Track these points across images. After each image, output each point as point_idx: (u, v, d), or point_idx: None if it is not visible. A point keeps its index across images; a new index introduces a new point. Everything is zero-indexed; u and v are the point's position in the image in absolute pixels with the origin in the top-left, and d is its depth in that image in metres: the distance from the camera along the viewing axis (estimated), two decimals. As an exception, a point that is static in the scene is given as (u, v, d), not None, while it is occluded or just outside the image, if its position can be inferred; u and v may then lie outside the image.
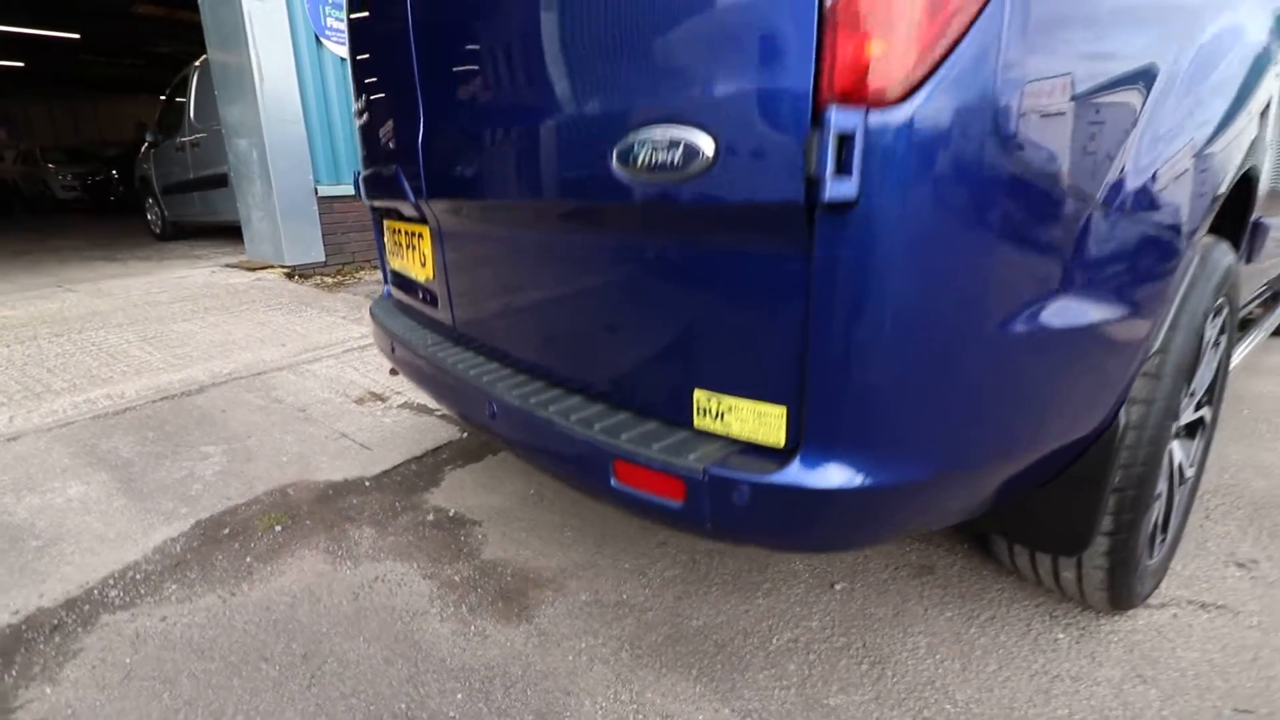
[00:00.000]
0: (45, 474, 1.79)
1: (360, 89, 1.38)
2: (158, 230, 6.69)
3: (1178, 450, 1.18)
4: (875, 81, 0.56)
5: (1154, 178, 0.78)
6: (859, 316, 0.64)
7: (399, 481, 1.76)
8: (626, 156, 0.72)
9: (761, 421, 0.74)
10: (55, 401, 2.22)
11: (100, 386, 2.35)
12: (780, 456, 0.73)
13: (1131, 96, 0.73)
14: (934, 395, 0.69)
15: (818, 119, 0.58)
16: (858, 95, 0.57)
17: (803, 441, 0.71)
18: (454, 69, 1.02)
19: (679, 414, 0.82)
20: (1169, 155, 0.80)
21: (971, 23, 0.55)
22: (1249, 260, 1.45)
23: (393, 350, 1.48)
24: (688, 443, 0.80)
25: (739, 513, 0.73)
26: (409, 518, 1.59)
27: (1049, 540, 0.99)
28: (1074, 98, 0.66)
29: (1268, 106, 1.06)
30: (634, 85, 0.71)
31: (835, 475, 0.70)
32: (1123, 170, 0.75)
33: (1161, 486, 1.09)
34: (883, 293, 0.62)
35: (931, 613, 1.20)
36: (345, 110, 4.44)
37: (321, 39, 4.27)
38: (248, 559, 1.44)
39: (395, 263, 1.60)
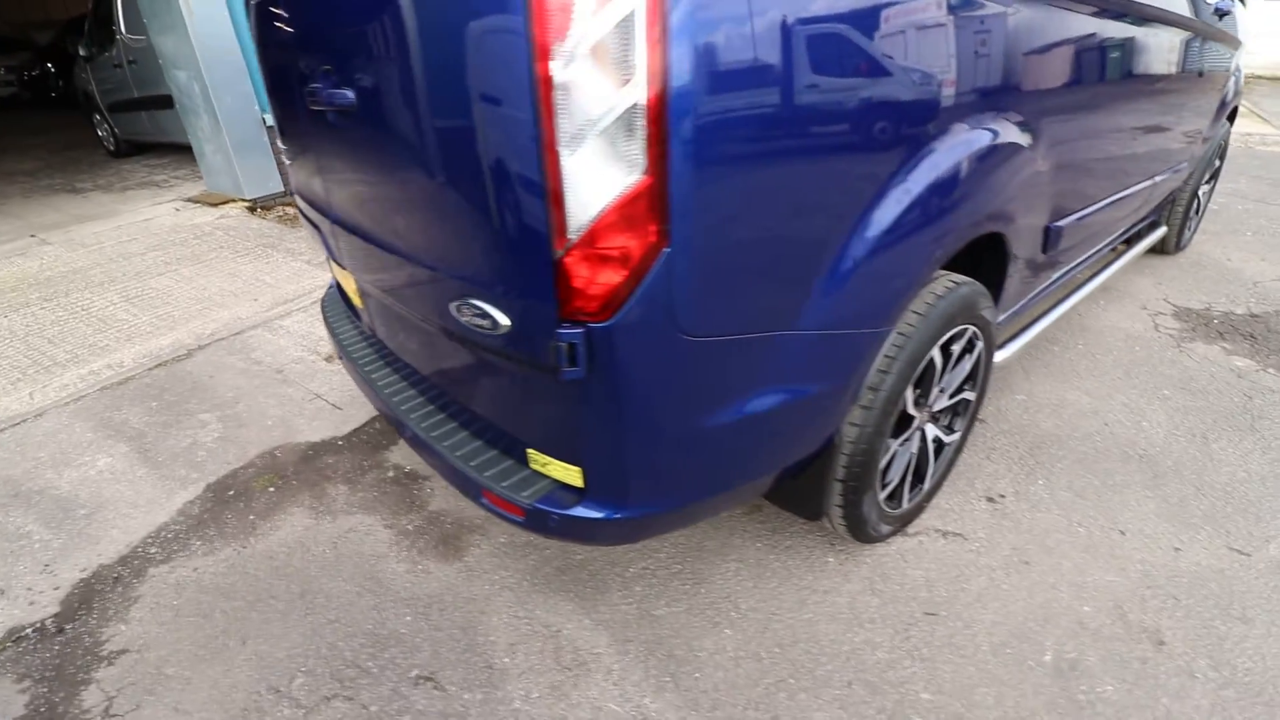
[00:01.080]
0: (76, 449, 2.19)
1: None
2: (111, 147, 6.59)
3: (931, 429, 1.58)
4: (589, 309, 0.88)
5: (838, 302, 1.10)
6: (605, 424, 1.00)
7: (365, 440, 2.17)
8: (460, 310, 1.04)
9: (568, 473, 1.13)
10: (64, 375, 2.58)
11: (100, 356, 2.70)
12: (582, 493, 1.12)
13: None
14: (670, 462, 1.07)
15: (560, 327, 0.91)
16: (581, 316, 0.89)
17: (588, 488, 1.10)
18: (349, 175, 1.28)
19: (524, 460, 1.20)
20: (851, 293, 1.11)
21: (646, 273, 0.86)
22: (1046, 251, 1.76)
23: (340, 355, 1.82)
24: (529, 479, 1.19)
25: (555, 527, 1.14)
26: (374, 475, 2.02)
27: (801, 510, 1.42)
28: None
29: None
30: (467, 272, 1.02)
31: (607, 510, 1.10)
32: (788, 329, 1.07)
33: (898, 468, 1.50)
34: (619, 410, 0.98)
35: (748, 544, 1.67)
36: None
37: (243, -50, 4.05)
38: (251, 517, 1.88)
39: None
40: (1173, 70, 2.18)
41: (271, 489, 1.98)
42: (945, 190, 1.18)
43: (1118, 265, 2.56)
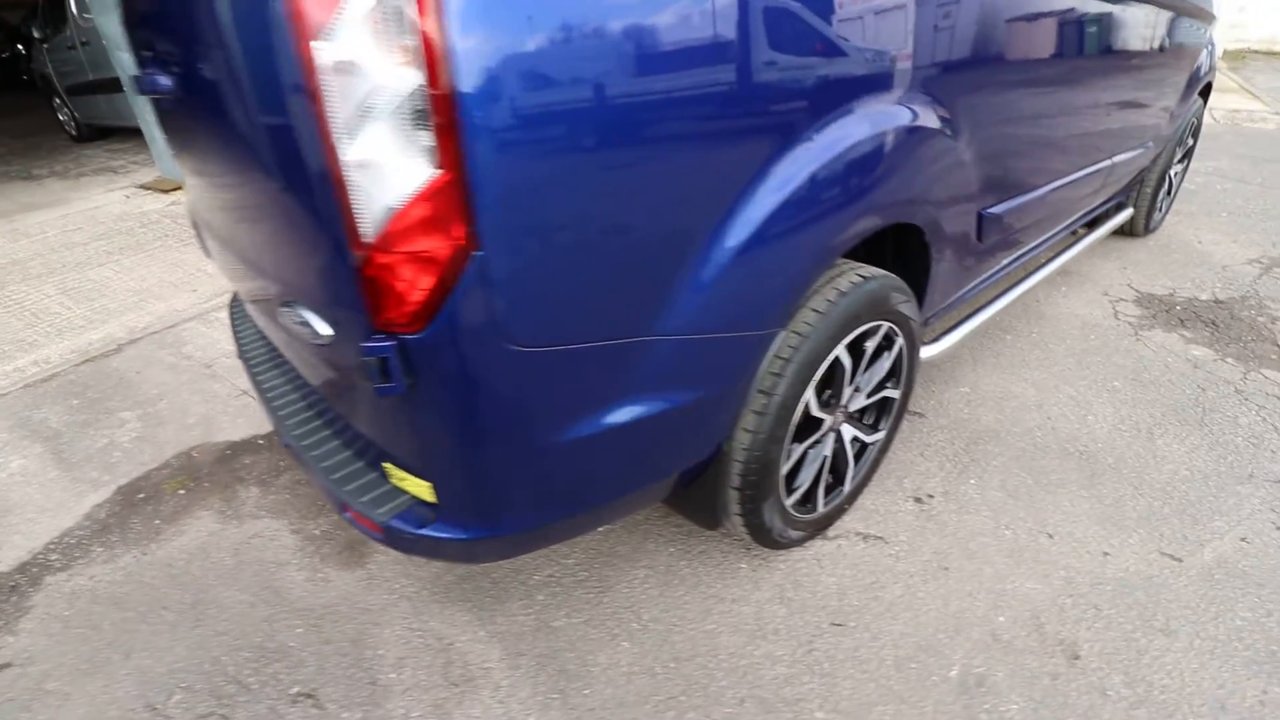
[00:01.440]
0: (-12, 449, 2.13)
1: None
2: (73, 131, 6.43)
3: (848, 430, 1.50)
4: (399, 320, 0.80)
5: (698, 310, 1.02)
6: (443, 440, 0.92)
7: (287, 439, 2.10)
8: (287, 316, 0.96)
9: (421, 488, 1.05)
10: (-12, 371, 2.50)
11: (27, 352, 2.62)
12: (437, 510, 1.05)
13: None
14: (523, 479, 0.99)
15: (371, 339, 0.82)
16: (394, 328, 0.81)
17: (440, 505, 1.02)
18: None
19: (384, 474, 1.13)
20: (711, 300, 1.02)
21: (456, 280, 0.78)
22: (982, 239, 1.67)
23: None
24: (390, 494, 1.11)
25: (414, 546, 1.07)
26: (288, 477, 1.95)
27: (697, 519, 1.35)
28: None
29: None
30: (286, 276, 0.93)
31: (461, 529, 1.02)
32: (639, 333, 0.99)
33: (808, 472, 1.42)
34: (453, 426, 0.90)
35: (661, 549, 1.60)
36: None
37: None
38: (156, 521, 1.82)
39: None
40: (1133, 45, 2.06)
41: (182, 491, 1.92)
42: (832, 181, 1.08)
43: (1076, 250, 2.47)
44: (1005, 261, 2.02)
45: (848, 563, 1.54)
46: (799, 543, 1.52)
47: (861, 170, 1.14)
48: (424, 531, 1.04)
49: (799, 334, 1.20)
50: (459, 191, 0.74)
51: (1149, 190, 2.82)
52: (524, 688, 1.32)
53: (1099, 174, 2.23)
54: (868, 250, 1.54)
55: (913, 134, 1.23)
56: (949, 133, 1.35)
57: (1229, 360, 2.26)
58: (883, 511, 1.67)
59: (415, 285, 0.79)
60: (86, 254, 3.63)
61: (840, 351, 1.30)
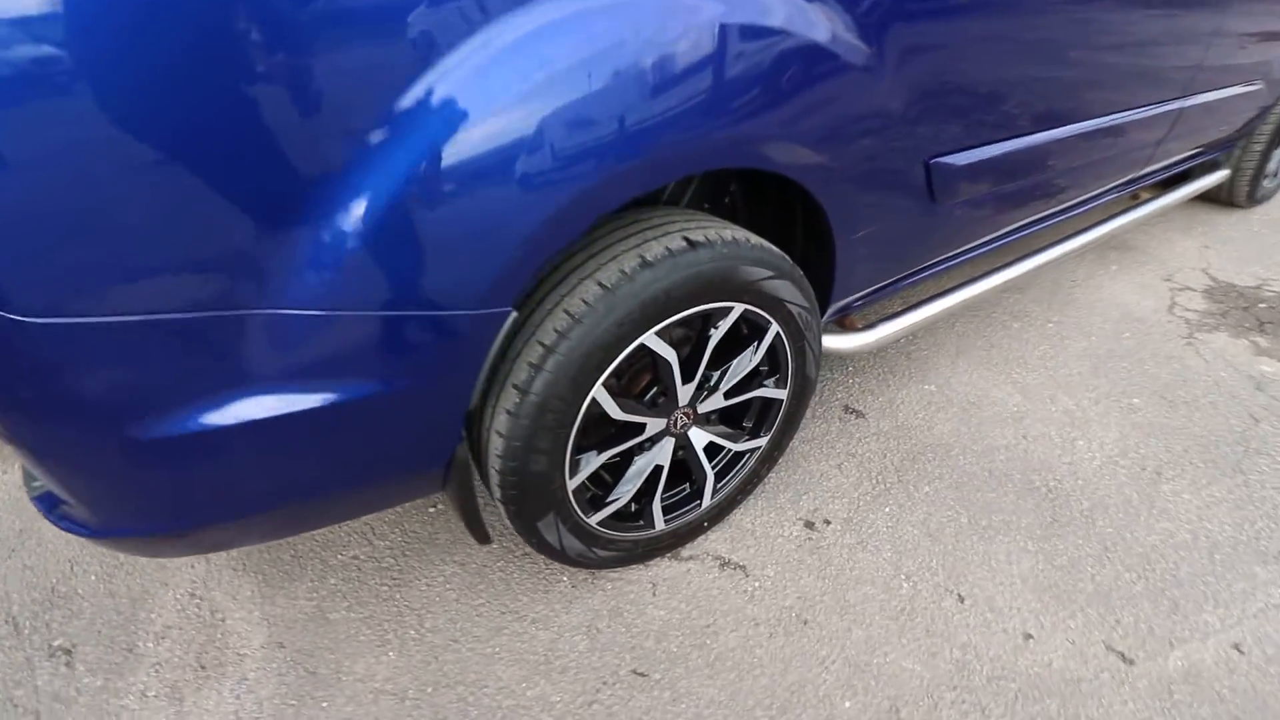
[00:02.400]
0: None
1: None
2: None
3: (700, 435, 1.18)
4: None
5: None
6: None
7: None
8: None
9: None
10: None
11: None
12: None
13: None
14: (117, 477, 0.77)
15: None
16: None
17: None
18: None
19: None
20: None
21: None
22: (934, 200, 1.25)
23: None
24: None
25: (64, 528, 0.88)
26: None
27: (471, 531, 1.09)
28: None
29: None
30: None
31: (76, 524, 0.82)
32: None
33: (631, 483, 1.13)
34: (55, 409, 0.69)
35: (480, 545, 1.37)
36: None
37: None
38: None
39: None
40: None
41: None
42: (568, 94, 0.72)
43: (1129, 218, 1.91)
44: (998, 230, 1.55)
45: (688, 594, 1.25)
46: (622, 563, 1.25)
47: (628, 81, 0.77)
48: (56, 519, 0.85)
49: (571, 315, 0.88)
50: None
51: (1258, 148, 2.13)
52: (267, 685, 1.16)
53: (1161, 120, 1.65)
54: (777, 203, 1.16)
55: (758, 33, 0.84)
56: (846, 33, 0.93)
57: (1312, 384, 1.71)
58: (759, 534, 1.36)
59: None
60: None
61: (652, 340, 0.97)
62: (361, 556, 1.36)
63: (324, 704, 1.13)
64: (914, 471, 1.48)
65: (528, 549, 1.34)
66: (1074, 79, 1.38)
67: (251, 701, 1.14)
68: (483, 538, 1.06)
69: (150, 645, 1.25)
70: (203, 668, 1.21)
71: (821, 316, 1.34)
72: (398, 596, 1.28)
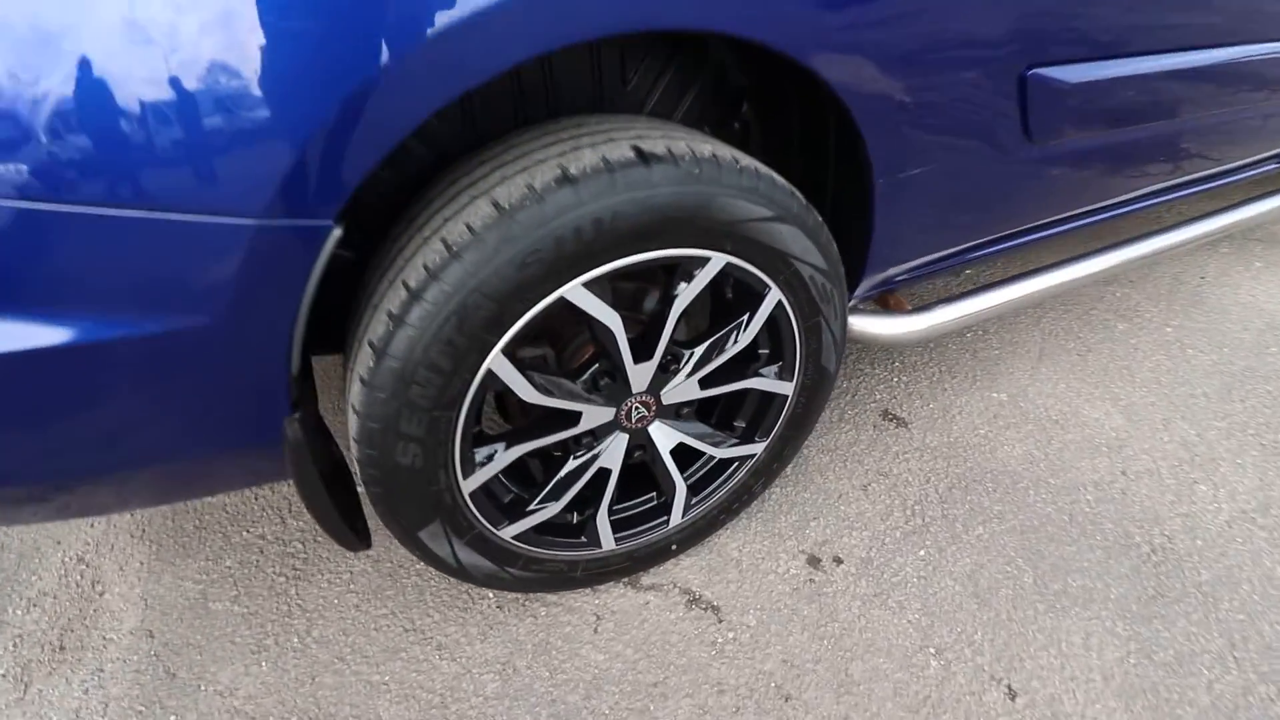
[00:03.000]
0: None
1: None
2: None
3: (671, 434, 0.88)
4: None
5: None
6: None
7: None
8: None
9: None
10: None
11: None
12: None
13: None
14: None
15: None
16: None
17: None
18: None
19: None
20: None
21: None
22: (1029, 135, 0.90)
23: None
24: None
25: None
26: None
27: (334, 539, 0.83)
28: None
29: None
30: None
31: None
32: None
33: (566, 489, 0.84)
34: None
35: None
36: None
37: None
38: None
39: None
40: None
41: None
42: None
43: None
44: (1108, 197, 1.15)
45: (639, 635, 0.97)
46: (554, 587, 0.97)
47: None
48: None
49: (448, 248, 0.60)
50: None
51: None
52: (121, 682, 0.96)
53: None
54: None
55: None
56: None
57: None
58: (746, 565, 1.05)
59: None
60: None
61: (578, 294, 0.68)
62: (268, 536, 1.15)
63: (171, 717, 0.93)
64: (965, 505, 1.13)
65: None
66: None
67: (98, 700, 0.95)
68: (352, 542, 0.81)
69: (18, 614, 1.08)
70: (62, 649, 1.03)
71: (852, 290, 1.01)
72: (293, 592, 1.06)
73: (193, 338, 0.56)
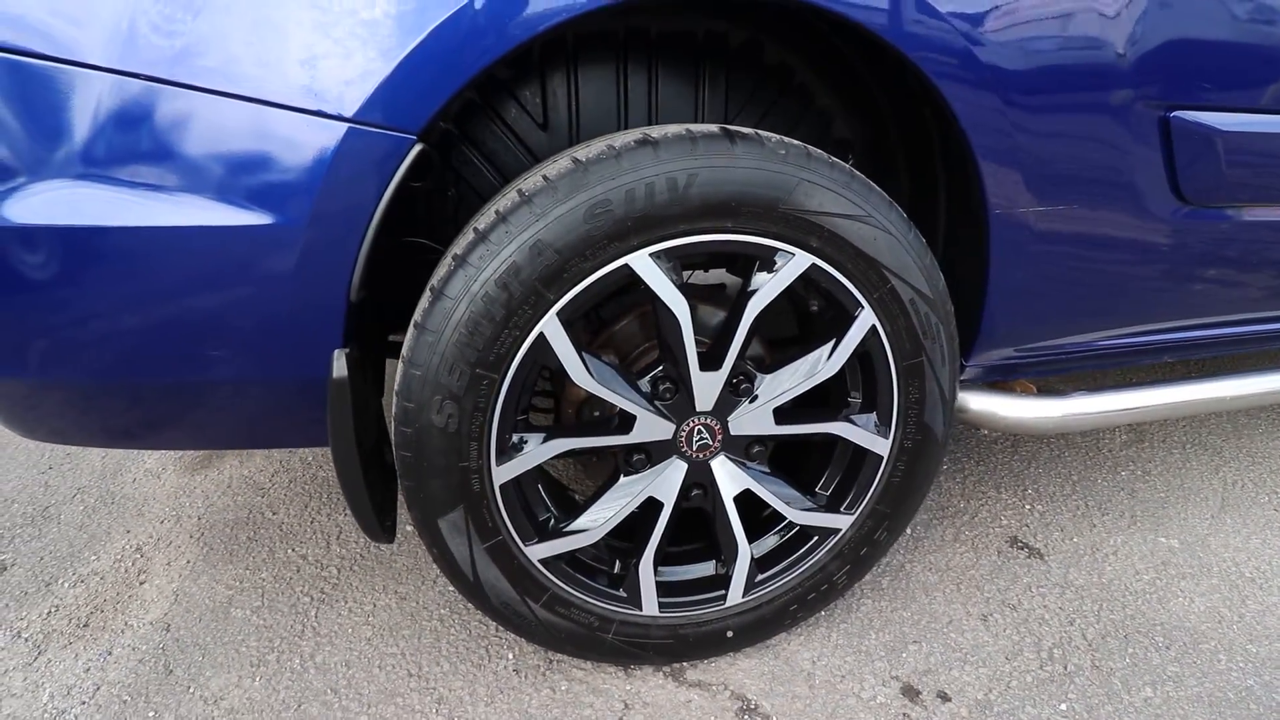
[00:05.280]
0: None
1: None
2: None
3: (737, 475, 0.76)
4: None
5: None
6: None
7: None
8: None
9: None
10: None
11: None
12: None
13: None
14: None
15: None
16: None
17: None
18: None
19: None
20: None
21: None
22: (1180, 195, 0.80)
23: None
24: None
25: None
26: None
27: (356, 519, 0.76)
28: None
29: None
30: None
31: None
32: None
33: (610, 509, 0.73)
34: None
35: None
36: None
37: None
38: None
39: None
40: None
41: None
42: None
43: None
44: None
45: (675, 738, 0.77)
46: (584, 651, 0.80)
47: None
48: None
49: (522, 193, 0.60)
50: None
51: None
52: (120, 669, 0.91)
53: None
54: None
55: None
56: None
57: None
58: (819, 681, 0.83)
59: None
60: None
61: (643, 264, 0.63)
62: (309, 557, 1.11)
63: (150, 713, 0.84)
64: (1125, 658, 0.85)
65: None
66: None
67: (92, 682, 0.90)
68: (374, 527, 0.74)
69: (65, 586, 1.09)
70: (86, 626, 1.01)
71: (963, 362, 0.88)
72: (313, 614, 0.98)
73: (269, 235, 0.58)
